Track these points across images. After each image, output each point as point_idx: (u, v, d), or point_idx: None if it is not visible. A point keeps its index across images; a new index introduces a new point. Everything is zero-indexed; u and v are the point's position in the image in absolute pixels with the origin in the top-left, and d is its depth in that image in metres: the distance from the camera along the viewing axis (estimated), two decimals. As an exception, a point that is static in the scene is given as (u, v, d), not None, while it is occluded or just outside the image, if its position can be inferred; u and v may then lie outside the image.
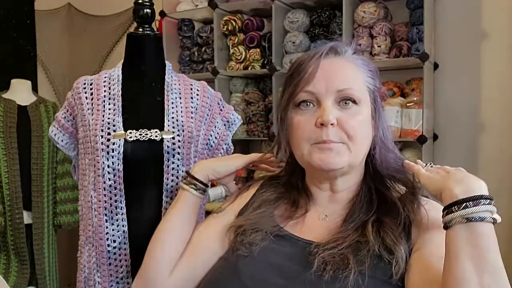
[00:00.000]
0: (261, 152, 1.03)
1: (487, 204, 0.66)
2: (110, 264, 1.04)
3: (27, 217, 2.25)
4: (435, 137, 2.20)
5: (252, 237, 0.82)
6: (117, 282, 1.05)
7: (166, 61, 1.16)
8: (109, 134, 1.03)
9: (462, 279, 0.63)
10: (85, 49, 3.28)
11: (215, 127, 1.16)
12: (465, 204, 0.66)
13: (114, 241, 1.04)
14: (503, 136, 2.07)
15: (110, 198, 1.03)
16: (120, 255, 1.04)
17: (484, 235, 0.65)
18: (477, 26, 2.11)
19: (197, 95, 1.13)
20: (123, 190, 1.03)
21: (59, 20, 3.32)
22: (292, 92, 0.84)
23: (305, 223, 0.86)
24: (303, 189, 0.91)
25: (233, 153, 1.17)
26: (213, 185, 1.03)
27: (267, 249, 0.81)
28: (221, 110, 1.19)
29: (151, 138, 1.05)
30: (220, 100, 1.19)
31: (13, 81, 2.35)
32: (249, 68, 2.41)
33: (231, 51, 2.47)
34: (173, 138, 1.05)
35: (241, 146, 2.53)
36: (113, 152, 1.02)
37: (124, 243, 1.04)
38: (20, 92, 2.34)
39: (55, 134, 1.14)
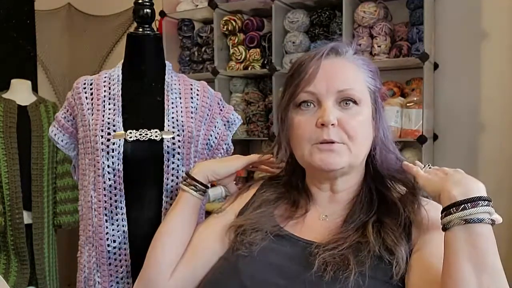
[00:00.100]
0: (261, 152, 1.03)
1: (485, 205, 0.66)
2: (110, 264, 1.04)
3: (27, 217, 2.25)
4: (435, 137, 2.20)
5: (252, 237, 0.82)
6: (117, 282, 1.05)
7: (166, 61, 1.16)
8: (109, 134, 1.03)
9: (460, 280, 0.63)
10: (85, 49, 3.28)
11: (215, 127, 1.16)
12: (463, 205, 0.67)
13: (114, 241, 1.04)
14: (503, 136, 2.07)
15: (110, 198, 1.03)
16: (120, 255, 1.04)
17: (482, 236, 0.65)
18: (477, 26, 2.11)
19: (197, 95, 1.13)
20: (123, 190, 1.03)
21: (59, 20, 3.32)
22: (293, 93, 0.84)
23: (305, 223, 0.86)
24: (303, 189, 0.91)
25: (233, 153, 1.17)
26: (213, 185, 1.03)
27: (267, 249, 0.81)
28: (221, 110, 1.19)
29: (151, 138, 1.05)
30: (220, 100, 1.19)
31: (13, 81, 2.35)
32: (249, 68, 2.41)
33: (231, 51, 2.47)
34: (173, 138, 1.05)
35: (241, 146, 2.52)
36: (113, 152, 1.02)
37: (124, 243, 1.04)
38: (20, 92, 2.34)
39: (55, 134, 1.14)
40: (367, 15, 2.09)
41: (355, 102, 0.82)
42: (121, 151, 1.02)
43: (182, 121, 1.07)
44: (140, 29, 1.14)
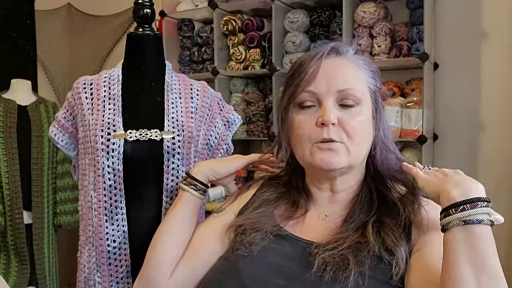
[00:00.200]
0: (261, 152, 1.03)
1: (485, 206, 0.66)
2: (110, 264, 1.04)
3: (27, 217, 2.25)
4: (435, 137, 2.20)
5: (252, 237, 0.82)
6: (117, 282, 1.05)
7: (166, 61, 1.16)
8: (109, 134, 1.03)
9: (460, 281, 0.63)
10: (85, 49, 3.28)
11: (215, 127, 1.16)
12: (462, 206, 0.67)
13: (114, 241, 1.04)
14: (503, 136, 2.07)
15: (110, 198, 1.03)
16: (120, 255, 1.04)
17: (481, 237, 0.65)
18: (477, 26, 2.11)
19: (197, 95, 1.13)
20: (123, 190, 1.03)
21: (59, 20, 3.32)
22: (293, 92, 0.84)
23: (305, 223, 0.86)
24: (303, 189, 0.91)
25: (233, 153, 1.17)
26: (213, 185, 1.03)
27: (267, 248, 0.81)
28: (221, 110, 1.19)
29: (151, 138, 1.05)
30: (220, 100, 1.19)
31: (13, 81, 2.35)
32: (249, 68, 2.41)
33: (231, 51, 2.47)
34: (173, 138, 1.05)
35: (241, 146, 2.52)
36: (113, 152, 1.02)
37: (124, 243, 1.04)
38: (20, 92, 2.34)
39: (55, 134, 1.14)
40: (367, 15, 2.09)
41: (355, 102, 0.82)
42: (121, 151, 1.02)
43: (182, 121, 1.07)
44: (140, 29, 1.14)
